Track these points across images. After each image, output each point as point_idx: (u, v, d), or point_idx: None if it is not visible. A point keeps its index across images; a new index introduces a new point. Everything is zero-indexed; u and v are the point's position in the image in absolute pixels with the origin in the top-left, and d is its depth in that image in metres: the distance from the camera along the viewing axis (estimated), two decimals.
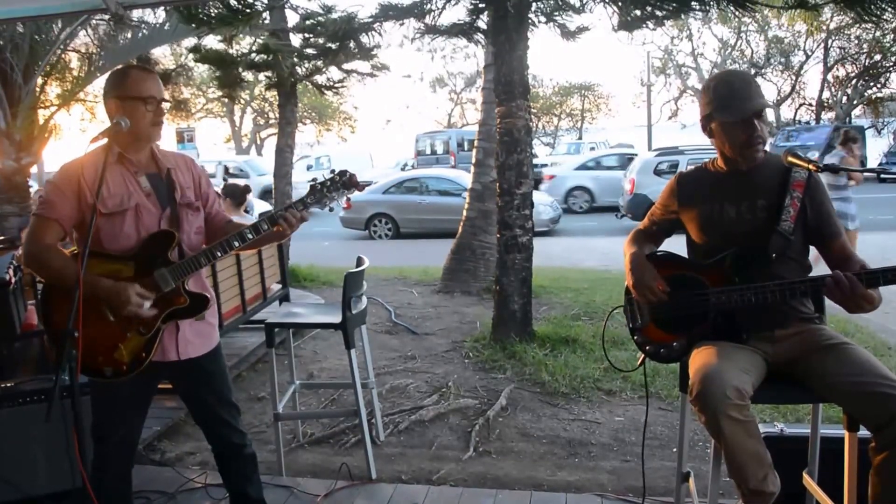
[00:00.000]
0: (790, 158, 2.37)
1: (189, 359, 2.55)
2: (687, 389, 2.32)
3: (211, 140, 42.64)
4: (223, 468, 2.79)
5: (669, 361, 2.60)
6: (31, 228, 2.39)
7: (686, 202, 2.62)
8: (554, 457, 3.93)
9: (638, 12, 5.95)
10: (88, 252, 2.21)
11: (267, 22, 8.50)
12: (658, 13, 5.92)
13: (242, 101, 35.54)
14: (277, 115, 9.46)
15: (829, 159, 7.49)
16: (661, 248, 2.73)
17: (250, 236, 2.48)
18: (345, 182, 2.54)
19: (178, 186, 2.54)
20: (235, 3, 7.02)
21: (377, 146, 38.03)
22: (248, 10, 7.20)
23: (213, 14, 7.13)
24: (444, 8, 6.33)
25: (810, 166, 2.33)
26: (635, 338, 2.66)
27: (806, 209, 2.41)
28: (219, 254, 2.47)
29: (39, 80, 9.60)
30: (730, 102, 2.40)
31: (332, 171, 2.55)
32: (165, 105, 2.49)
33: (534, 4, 5.98)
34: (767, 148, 2.54)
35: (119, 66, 2.88)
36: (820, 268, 2.41)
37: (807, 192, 2.41)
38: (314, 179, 2.54)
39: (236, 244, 2.48)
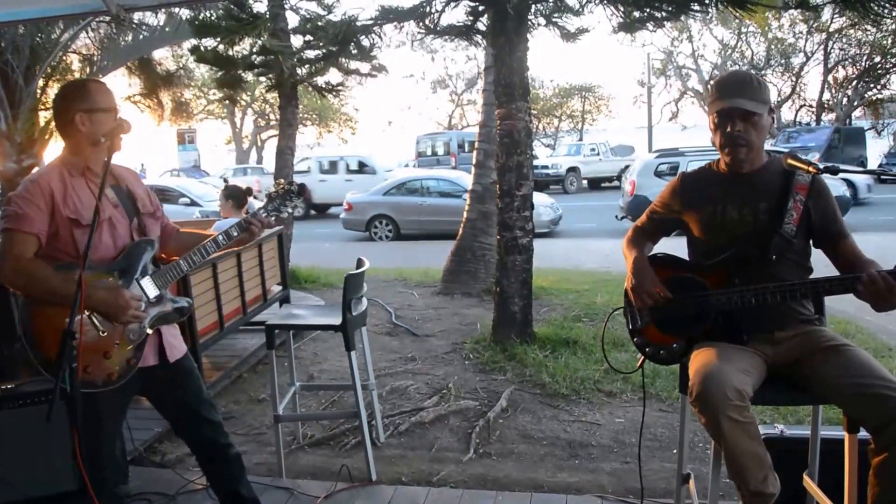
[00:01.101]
0: (790, 161, 2.37)
1: (175, 361, 2.62)
2: (687, 391, 2.32)
3: (212, 142, 42.71)
4: (210, 471, 2.82)
5: (669, 363, 2.60)
6: (10, 244, 2.32)
7: (689, 203, 2.62)
8: (554, 458, 3.93)
9: (637, 14, 5.96)
10: (69, 265, 2.26)
11: (268, 23, 8.50)
12: (657, 14, 5.92)
13: (243, 103, 35.59)
14: (278, 117, 9.45)
15: None
16: (661, 250, 2.73)
17: (223, 241, 2.63)
18: (293, 192, 2.79)
19: (138, 197, 2.61)
20: (238, 11, 7.06)
21: (378, 147, 38.07)
22: (251, 19, 7.24)
23: (221, 25, 7.18)
24: (443, 11, 6.33)
25: (810, 168, 2.33)
26: (635, 339, 2.66)
27: (810, 212, 2.42)
28: (197, 259, 2.57)
29: (41, 82, 9.64)
30: (718, 92, 2.44)
31: (291, 183, 2.80)
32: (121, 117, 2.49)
33: (533, 6, 5.99)
34: (769, 148, 2.54)
35: (70, 81, 2.96)
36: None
37: (810, 194, 2.41)
38: (270, 190, 2.79)
39: (213, 249, 2.61)
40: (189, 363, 2.72)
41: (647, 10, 5.87)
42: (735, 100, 2.38)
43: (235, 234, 2.64)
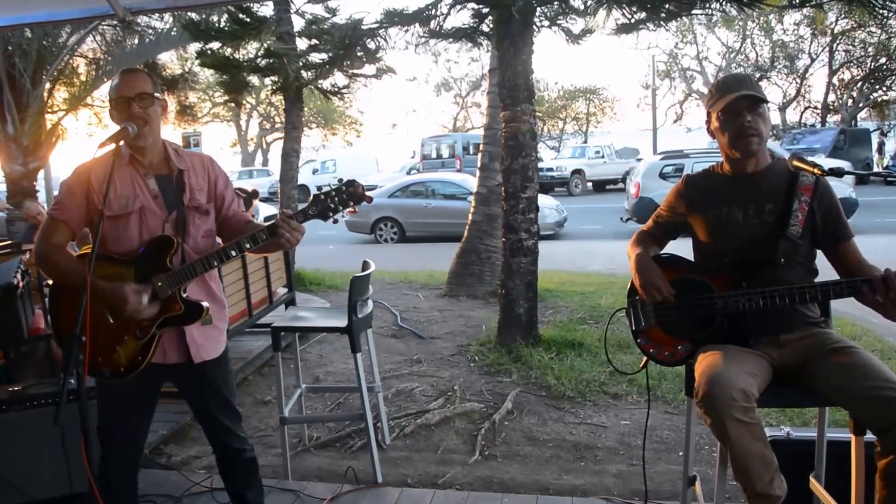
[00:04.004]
0: (795, 162, 2.37)
1: (200, 362, 2.55)
2: (692, 393, 2.32)
3: (217, 144, 42.79)
4: (223, 471, 2.80)
5: (673, 364, 2.60)
6: (42, 228, 2.46)
7: (693, 205, 2.61)
8: (560, 460, 3.93)
9: (641, 14, 5.95)
10: (89, 256, 2.22)
11: (273, 26, 8.54)
12: (661, 14, 5.91)
13: (248, 106, 35.64)
14: (283, 120, 9.48)
15: None
16: (665, 251, 2.73)
17: (248, 246, 2.42)
18: (350, 193, 2.41)
19: (188, 188, 2.52)
20: (243, 15, 7.07)
21: (383, 150, 38.12)
22: (256, 24, 7.25)
23: (223, 29, 7.18)
24: (448, 13, 6.35)
25: (815, 170, 2.33)
26: (638, 340, 2.65)
27: (815, 213, 2.41)
28: (215, 262, 2.44)
29: (47, 86, 9.67)
30: (720, 92, 2.45)
31: (340, 181, 2.44)
32: (144, 100, 2.42)
33: (538, 9, 5.99)
34: (774, 150, 2.53)
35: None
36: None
37: (815, 195, 2.41)
38: (319, 189, 2.45)
39: (233, 254, 2.44)
40: (216, 369, 2.62)
41: (651, 10, 5.86)
42: (741, 91, 2.40)
43: (264, 238, 2.40)
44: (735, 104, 2.40)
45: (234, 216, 2.65)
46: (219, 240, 2.67)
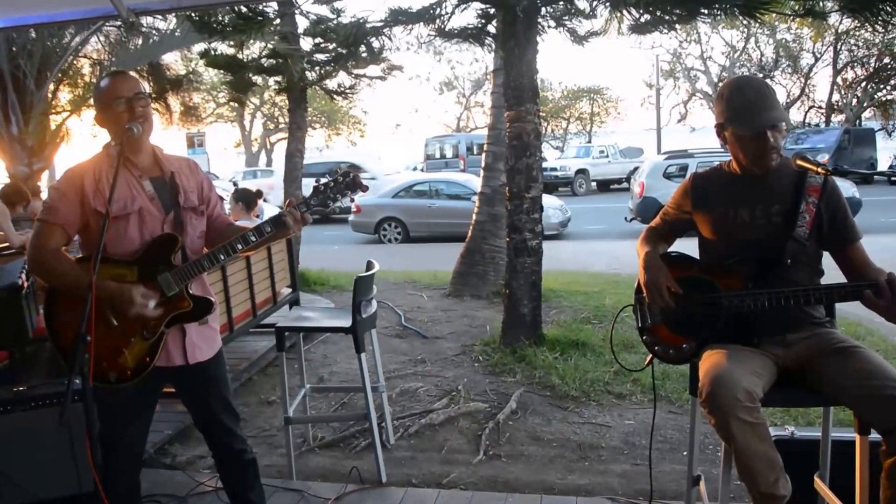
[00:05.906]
0: (798, 162, 2.36)
1: (195, 363, 2.55)
2: (697, 392, 2.31)
3: (221, 145, 42.85)
4: (224, 474, 2.79)
5: (678, 363, 2.59)
6: (35, 233, 2.39)
7: (700, 204, 2.60)
8: (564, 460, 3.92)
9: (647, 17, 5.94)
10: (93, 256, 2.22)
11: (277, 25, 8.54)
12: (667, 18, 5.90)
13: (252, 106, 35.68)
14: (287, 120, 9.50)
15: None
16: (674, 249, 2.72)
17: (253, 239, 2.47)
18: (348, 183, 2.53)
19: (182, 190, 2.53)
20: (247, 10, 7.07)
21: (386, 150, 38.14)
22: (259, 18, 7.26)
23: (225, 23, 7.19)
24: (453, 13, 6.34)
25: (819, 170, 2.32)
26: (644, 338, 2.64)
27: (822, 214, 2.40)
28: (222, 257, 2.45)
29: (51, 87, 9.71)
30: (743, 115, 2.36)
31: (337, 171, 2.55)
32: (142, 99, 2.42)
33: (543, 9, 5.99)
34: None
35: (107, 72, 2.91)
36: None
37: (822, 196, 2.39)
38: (317, 181, 2.54)
39: (240, 247, 2.46)
40: (215, 369, 2.64)
41: (657, 13, 5.85)
42: (770, 114, 2.33)
43: (268, 230, 2.47)
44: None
45: (217, 218, 2.69)
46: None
